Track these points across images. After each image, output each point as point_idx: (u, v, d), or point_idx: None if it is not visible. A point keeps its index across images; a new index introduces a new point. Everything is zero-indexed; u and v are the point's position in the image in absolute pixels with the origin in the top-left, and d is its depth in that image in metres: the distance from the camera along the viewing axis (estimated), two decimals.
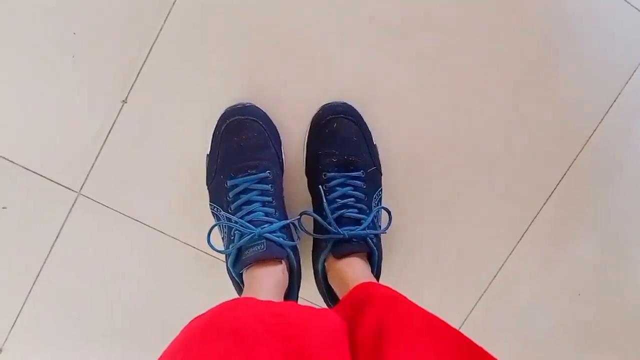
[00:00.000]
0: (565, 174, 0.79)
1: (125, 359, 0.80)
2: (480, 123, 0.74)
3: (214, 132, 0.67)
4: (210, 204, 0.67)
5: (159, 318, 0.78)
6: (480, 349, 0.45)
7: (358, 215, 0.66)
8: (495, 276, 0.82)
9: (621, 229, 0.84)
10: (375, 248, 0.65)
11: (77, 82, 0.67)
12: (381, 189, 0.70)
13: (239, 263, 0.61)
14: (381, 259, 0.67)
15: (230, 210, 0.63)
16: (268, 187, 0.63)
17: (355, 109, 0.69)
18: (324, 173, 0.67)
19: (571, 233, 0.83)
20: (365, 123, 0.70)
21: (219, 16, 0.66)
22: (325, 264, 0.66)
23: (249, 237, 0.60)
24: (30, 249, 0.73)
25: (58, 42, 0.65)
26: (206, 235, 0.62)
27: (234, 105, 0.67)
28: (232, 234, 0.62)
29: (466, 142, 0.75)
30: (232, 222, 0.61)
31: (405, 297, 0.54)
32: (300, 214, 0.66)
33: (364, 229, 0.64)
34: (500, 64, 0.72)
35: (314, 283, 0.70)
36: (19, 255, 0.74)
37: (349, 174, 0.67)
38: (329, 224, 0.64)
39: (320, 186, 0.66)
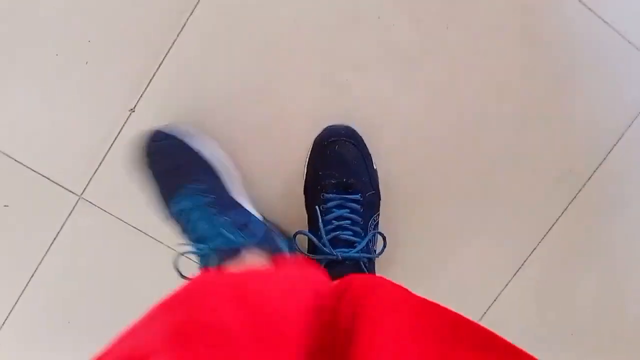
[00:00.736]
0: (566, 209, 0.79)
1: None
2: (484, 154, 0.75)
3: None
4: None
5: None
6: (472, 322, 0.41)
7: (353, 238, 0.66)
8: (485, 312, 0.82)
9: (622, 265, 0.84)
10: (367, 272, 0.65)
11: (88, 89, 0.68)
12: (378, 214, 0.71)
13: None
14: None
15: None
16: None
17: (357, 133, 0.70)
18: (322, 194, 0.68)
19: (569, 270, 0.83)
20: (366, 147, 0.70)
21: (233, 31, 0.68)
22: None
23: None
24: (28, 248, 0.74)
25: (73, 48, 0.67)
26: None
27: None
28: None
29: (468, 172, 0.75)
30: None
31: (387, 281, 0.51)
32: (296, 233, 0.67)
33: (357, 252, 0.64)
34: (508, 97, 0.73)
35: None
36: (16, 254, 0.75)
37: (347, 196, 0.67)
38: (324, 244, 0.64)
39: (317, 206, 0.67)
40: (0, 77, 0.67)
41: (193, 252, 0.62)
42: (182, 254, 0.62)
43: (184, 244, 0.62)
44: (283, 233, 0.71)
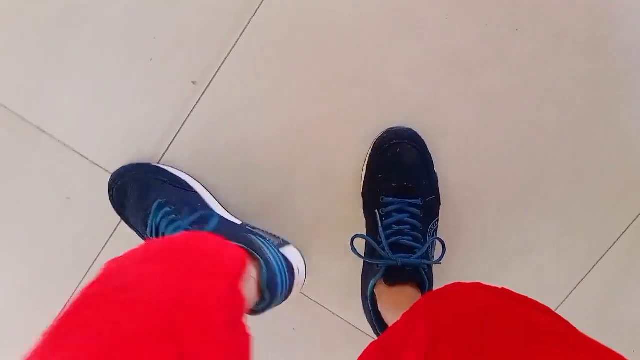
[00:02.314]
0: (630, 225, 0.75)
1: None
2: (543, 165, 0.72)
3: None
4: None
5: None
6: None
7: (412, 243, 0.64)
8: None
9: None
10: (427, 279, 0.64)
11: (151, 86, 0.69)
12: (438, 219, 0.69)
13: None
14: (432, 290, 0.66)
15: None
16: None
17: (419, 136, 0.68)
18: (381, 197, 0.66)
19: (630, 288, 0.79)
20: (428, 151, 0.69)
21: (293, 32, 0.67)
22: (375, 290, 0.65)
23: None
24: (88, 241, 0.76)
25: (139, 44, 0.68)
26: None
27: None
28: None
29: (527, 183, 0.73)
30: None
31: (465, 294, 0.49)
32: (354, 237, 0.66)
33: (417, 258, 0.63)
34: (569, 108, 0.70)
35: (361, 308, 0.69)
36: (76, 248, 0.76)
37: (407, 200, 0.66)
38: (383, 249, 0.63)
39: (376, 210, 0.66)
40: (65, 72, 0.69)
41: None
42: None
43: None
44: (274, 237, 0.70)
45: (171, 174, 0.70)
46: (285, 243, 0.71)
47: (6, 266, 0.78)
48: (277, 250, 0.64)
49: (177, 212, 0.63)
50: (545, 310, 0.43)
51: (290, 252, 0.70)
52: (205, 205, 0.68)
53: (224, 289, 0.46)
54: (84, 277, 0.77)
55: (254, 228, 0.70)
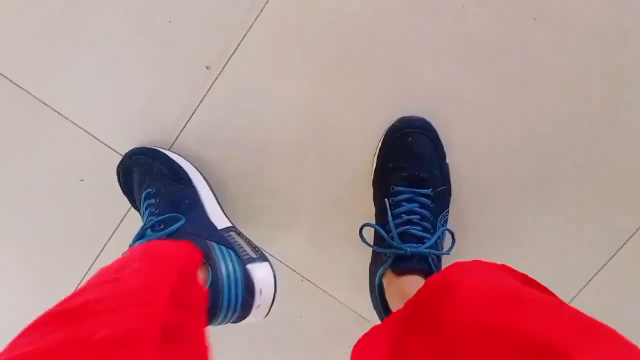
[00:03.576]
0: None
1: None
2: (559, 158, 0.71)
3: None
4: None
5: None
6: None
7: (422, 233, 0.64)
8: None
9: None
10: (435, 269, 0.63)
11: (166, 69, 0.69)
12: (448, 210, 0.68)
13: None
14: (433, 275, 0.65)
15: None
16: None
17: (432, 125, 0.68)
18: (392, 186, 0.66)
19: None
20: (440, 141, 0.68)
21: (308, 18, 0.67)
22: (383, 279, 0.64)
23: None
24: (101, 223, 0.77)
25: (154, 27, 0.68)
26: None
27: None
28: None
29: (541, 174, 0.72)
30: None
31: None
32: (363, 225, 0.65)
33: (426, 248, 0.62)
34: (589, 99, 0.68)
35: (368, 296, 0.69)
36: (87, 231, 0.77)
37: (418, 190, 0.65)
38: (392, 238, 0.63)
39: (386, 199, 0.65)
40: (80, 55, 0.69)
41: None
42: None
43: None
44: (254, 248, 0.66)
45: (174, 163, 0.69)
46: (261, 259, 0.65)
47: (18, 248, 0.79)
48: (238, 266, 0.60)
49: (158, 206, 0.64)
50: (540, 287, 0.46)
51: (260, 271, 0.63)
52: (194, 205, 0.66)
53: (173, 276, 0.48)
54: (95, 259, 0.79)
55: (239, 234, 0.67)
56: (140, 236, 0.61)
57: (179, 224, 0.60)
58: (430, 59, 0.67)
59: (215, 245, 0.60)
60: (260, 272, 0.63)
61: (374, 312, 0.69)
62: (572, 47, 0.66)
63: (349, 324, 0.80)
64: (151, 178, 0.68)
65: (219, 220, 0.67)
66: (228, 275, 0.57)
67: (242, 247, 0.64)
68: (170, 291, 0.44)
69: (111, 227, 0.77)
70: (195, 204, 0.67)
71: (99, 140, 0.73)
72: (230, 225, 0.68)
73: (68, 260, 0.79)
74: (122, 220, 0.76)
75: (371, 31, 0.67)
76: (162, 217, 0.62)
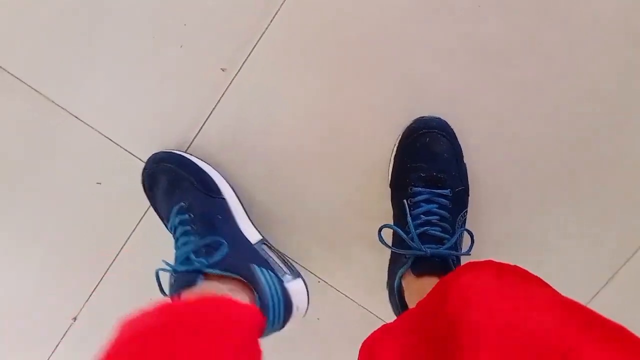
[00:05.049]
0: None
1: None
2: (575, 160, 0.70)
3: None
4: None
5: None
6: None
7: (441, 234, 0.64)
8: None
9: None
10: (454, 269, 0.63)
11: (182, 72, 0.69)
12: (466, 210, 0.68)
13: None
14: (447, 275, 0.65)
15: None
16: None
17: (449, 126, 0.67)
18: (410, 187, 0.66)
19: None
20: (457, 141, 0.68)
21: (322, 20, 0.67)
22: (403, 281, 0.64)
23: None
24: (116, 227, 0.77)
25: (169, 30, 0.68)
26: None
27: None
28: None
29: (556, 174, 0.71)
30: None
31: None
32: (382, 227, 0.65)
33: (446, 249, 0.62)
34: (604, 99, 0.68)
35: (387, 299, 0.69)
36: (103, 234, 0.77)
37: (436, 191, 0.65)
38: (412, 239, 0.62)
39: (405, 200, 0.65)
40: (96, 58, 0.69)
41: (165, 270, 0.62)
42: (160, 270, 0.62)
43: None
44: (287, 265, 0.70)
45: (204, 174, 0.69)
46: (295, 275, 0.70)
47: (36, 250, 0.80)
48: (278, 286, 0.64)
49: (194, 223, 0.64)
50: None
51: (295, 287, 0.68)
52: (227, 219, 0.67)
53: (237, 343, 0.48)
54: (111, 263, 0.79)
55: (270, 247, 0.70)
56: (185, 259, 0.61)
57: (223, 251, 0.61)
58: (445, 61, 0.67)
59: (257, 268, 0.62)
60: (295, 289, 0.67)
61: (391, 312, 0.69)
62: (587, 49, 0.66)
63: (365, 325, 0.79)
64: (182, 191, 0.67)
65: (249, 232, 0.69)
66: (272, 297, 0.61)
67: (275, 263, 0.67)
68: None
69: (128, 229, 0.77)
70: (228, 218, 0.68)
71: (115, 143, 0.73)
72: (260, 238, 0.69)
73: (85, 262, 0.79)
74: (139, 222, 0.76)
75: (388, 33, 0.67)
76: (204, 241, 0.62)
